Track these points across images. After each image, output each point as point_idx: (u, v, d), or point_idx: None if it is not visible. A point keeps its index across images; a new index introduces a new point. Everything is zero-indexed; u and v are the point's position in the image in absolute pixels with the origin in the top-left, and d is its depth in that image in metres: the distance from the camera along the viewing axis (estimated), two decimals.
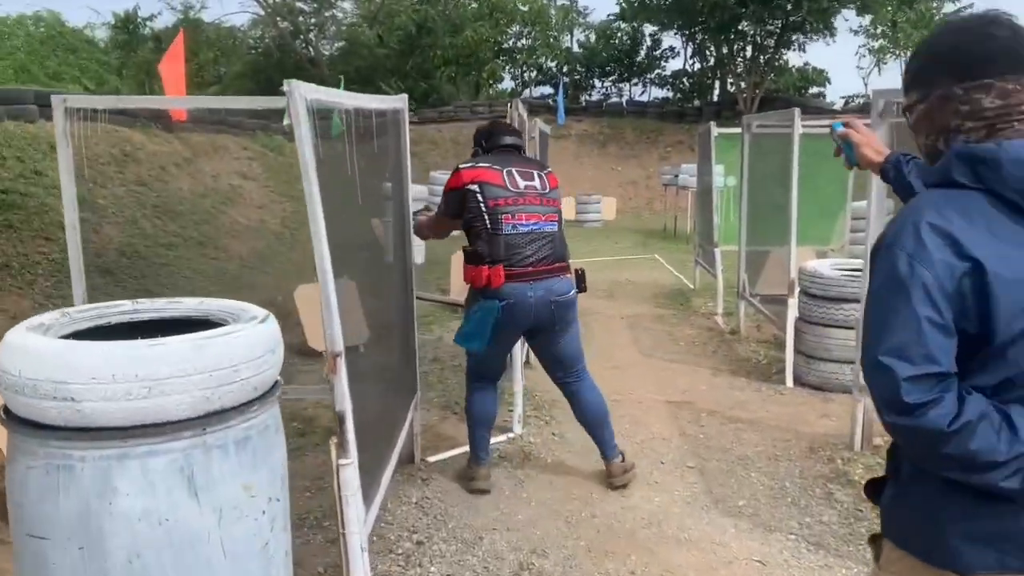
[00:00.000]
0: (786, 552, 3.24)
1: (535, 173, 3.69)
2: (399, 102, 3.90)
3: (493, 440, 4.08)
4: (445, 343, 6.57)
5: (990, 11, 1.33)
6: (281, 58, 26.50)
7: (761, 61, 23.01)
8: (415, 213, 4.12)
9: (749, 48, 23.34)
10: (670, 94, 27.06)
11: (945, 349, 1.20)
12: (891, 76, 26.48)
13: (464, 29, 24.24)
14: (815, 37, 22.36)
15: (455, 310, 7.31)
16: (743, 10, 20.80)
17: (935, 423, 1.18)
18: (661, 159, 20.26)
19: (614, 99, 26.38)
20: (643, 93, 27.88)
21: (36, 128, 9.22)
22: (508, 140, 3.79)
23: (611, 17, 26.23)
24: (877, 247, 1.30)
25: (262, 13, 26.83)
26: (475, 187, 3.52)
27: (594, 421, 3.84)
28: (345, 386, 2.52)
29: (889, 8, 22.32)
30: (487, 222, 3.50)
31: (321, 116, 2.63)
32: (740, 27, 22.23)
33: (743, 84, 23.10)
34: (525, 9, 25.76)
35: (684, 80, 26.74)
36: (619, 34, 27.07)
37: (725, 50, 23.63)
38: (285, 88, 2.38)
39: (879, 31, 24.39)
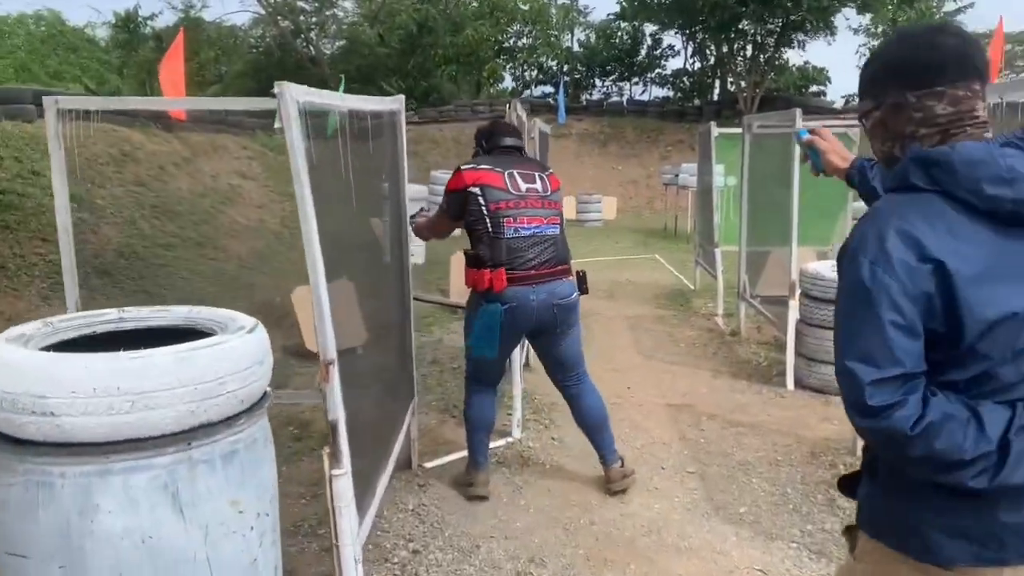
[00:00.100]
0: (788, 561, 3.19)
1: (536, 175, 3.64)
2: (395, 103, 3.85)
3: (492, 444, 4.03)
4: (445, 345, 6.52)
5: (939, 21, 1.36)
6: (282, 57, 26.45)
7: (761, 60, 22.93)
8: (413, 215, 4.07)
9: (749, 47, 23.25)
10: (670, 93, 26.98)
11: (910, 351, 1.23)
12: None
13: (465, 28, 24.17)
14: (815, 36, 22.27)
15: (455, 311, 7.26)
16: (743, 9, 20.70)
17: (899, 425, 1.21)
18: (662, 158, 20.19)
19: (614, 98, 26.31)
20: (643, 92, 27.83)
21: (34, 128, 9.17)
22: (508, 141, 3.74)
23: (611, 16, 26.19)
24: (842, 254, 1.33)
25: (263, 12, 26.76)
26: (476, 189, 3.48)
27: (593, 425, 3.80)
28: (338, 395, 2.46)
29: (890, 7, 22.22)
30: (489, 225, 3.46)
31: (315, 115, 2.58)
32: (740, 26, 22.13)
33: (743, 83, 23.03)
34: (526, 8, 25.68)
35: (684, 79, 26.66)
36: (619, 33, 26.99)
37: (725, 49, 23.54)
38: (276, 90, 2.33)
39: (879, 30, 24.25)
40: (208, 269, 8.63)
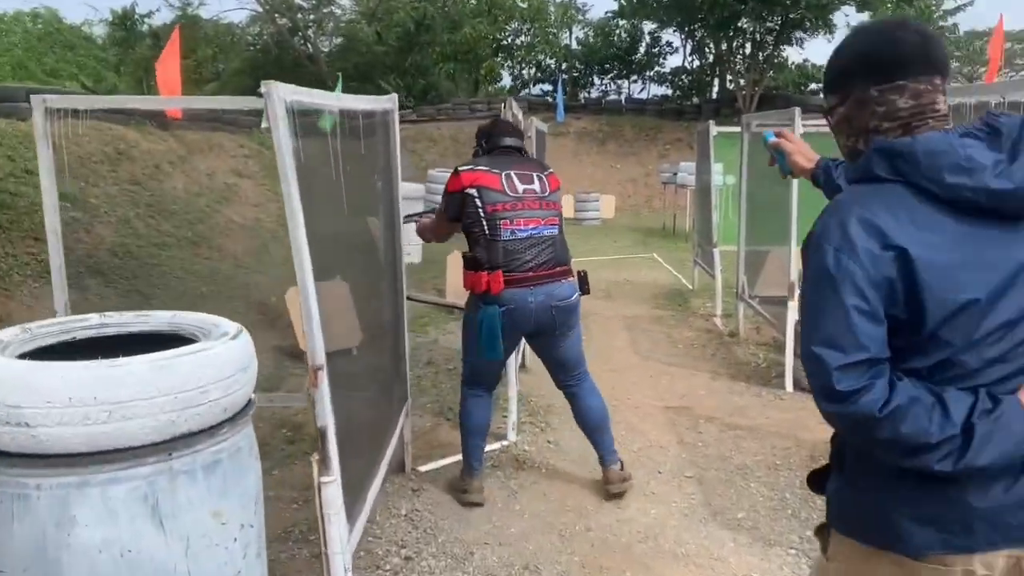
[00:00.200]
0: (787, 568, 3.14)
1: (535, 176, 3.59)
2: (388, 102, 3.79)
3: (487, 448, 3.97)
4: (440, 346, 6.47)
5: (900, 17, 1.44)
6: (279, 55, 26.34)
7: (760, 58, 22.85)
8: (420, 215, 4.03)
9: (748, 45, 23.17)
10: (669, 91, 26.89)
11: (874, 336, 1.25)
12: None
13: (463, 26, 24.08)
14: (814, 34, 22.17)
15: (451, 312, 7.20)
16: (742, 7, 20.63)
17: (866, 409, 1.22)
18: (660, 157, 20.12)
19: (613, 96, 26.20)
20: (642, 90, 27.71)
21: (27, 126, 9.08)
22: (508, 141, 3.69)
23: (610, 14, 26.05)
24: (807, 244, 1.35)
25: (260, 10, 26.65)
26: (474, 191, 3.45)
27: (594, 426, 3.77)
28: (327, 400, 2.41)
29: (889, 5, 22.15)
30: (485, 228, 3.44)
31: (305, 114, 2.53)
32: (739, 24, 22.04)
33: (742, 81, 22.96)
34: (524, 6, 25.57)
35: (683, 77, 26.55)
36: (618, 31, 26.90)
37: (724, 47, 23.47)
38: (262, 90, 2.27)
39: None
40: (203, 269, 8.56)
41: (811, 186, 2.09)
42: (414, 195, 10.55)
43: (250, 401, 2.02)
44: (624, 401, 5.12)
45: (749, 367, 5.93)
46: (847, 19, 21.72)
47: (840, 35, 25.28)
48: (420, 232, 3.92)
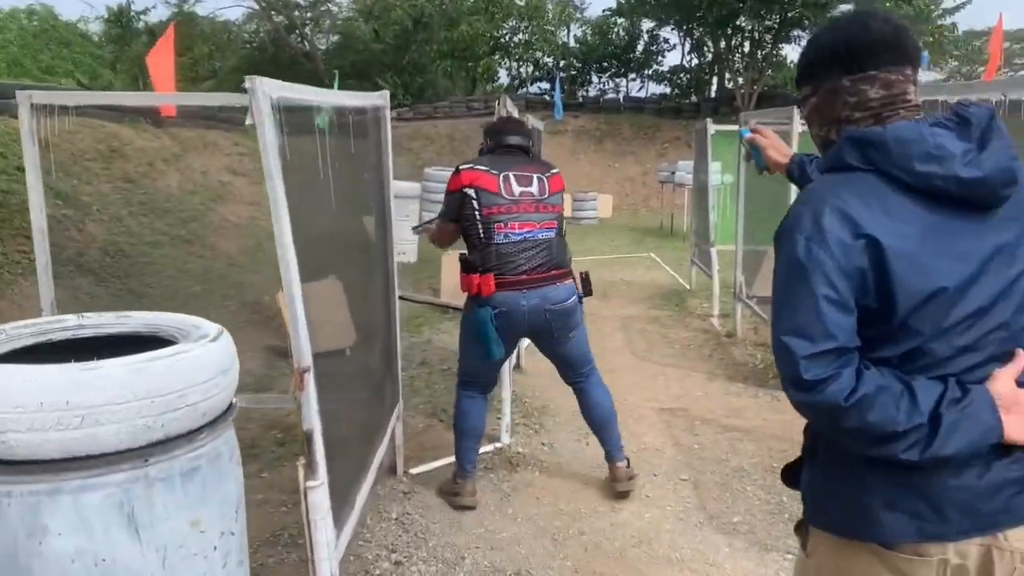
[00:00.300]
0: (783, 573, 3.09)
1: (534, 177, 3.54)
2: (380, 99, 3.73)
3: (480, 450, 3.92)
4: (434, 346, 6.41)
5: (870, 8, 1.39)
6: (276, 53, 26.28)
7: (759, 56, 22.81)
8: (429, 223, 3.97)
9: (747, 43, 23.14)
10: (667, 90, 26.85)
11: (843, 326, 1.25)
12: None
13: (460, 23, 24.00)
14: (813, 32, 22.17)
15: (445, 311, 7.15)
16: (741, 5, 20.59)
17: (833, 398, 1.23)
18: (658, 156, 20.05)
19: (611, 95, 26.17)
20: (640, 89, 27.69)
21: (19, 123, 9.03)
22: (514, 140, 3.64)
23: (608, 12, 25.97)
24: (778, 233, 1.35)
25: (257, 7, 26.57)
26: (471, 192, 3.42)
27: (599, 421, 3.75)
28: (314, 404, 2.36)
29: (888, 4, 22.13)
30: (480, 230, 3.42)
31: (291, 110, 2.47)
32: (738, 22, 22.01)
33: (741, 80, 22.91)
34: (521, 4, 25.47)
35: (681, 76, 26.52)
36: (616, 29, 26.84)
37: (723, 45, 23.42)
38: (247, 85, 2.21)
39: None
40: (196, 267, 8.50)
41: None
42: (410, 194, 10.47)
43: (231, 405, 1.96)
44: (619, 402, 4.98)
45: (746, 368, 5.88)
46: None
47: None
48: (431, 240, 3.84)
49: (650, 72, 27.34)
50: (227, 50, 28.46)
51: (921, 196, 1.28)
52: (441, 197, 3.82)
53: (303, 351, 2.33)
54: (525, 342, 4.21)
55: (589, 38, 27.57)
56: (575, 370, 3.73)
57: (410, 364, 5.74)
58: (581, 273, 3.74)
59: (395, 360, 4.01)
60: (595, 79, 27.95)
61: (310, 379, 2.34)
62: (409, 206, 10.33)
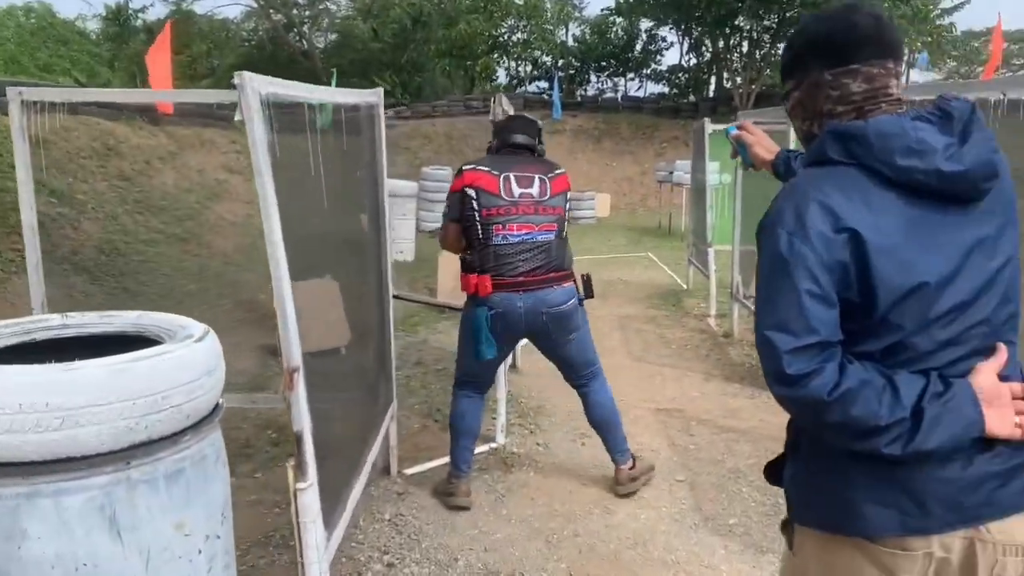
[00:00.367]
0: None
1: (536, 178, 3.50)
2: (374, 96, 3.70)
3: (475, 450, 3.88)
4: (430, 345, 6.38)
5: (853, 1, 1.40)
6: (274, 51, 26.26)
7: (757, 56, 22.77)
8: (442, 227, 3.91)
9: (745, 43, 23.10)
10: (666, 89, 26.81)
11: (826, 320, 1.25)
12: None
13: (458, 22, 23.96)
14: None
15: (442, 311, 7.11)
16: (739, 5, 20.58)
17: (816, 392, 1.22)
18: (656, 155, 20.02)
19: (609, 94, 26.13)
20: (639, 88, 27.65)
21: None
22: (519, 139, 3.61)
23: (606, 11, 25.94)
24: (760, 228, 1.34)
25: (255, 5, 26.54)
26: (472, 192, 3.40)
27: (601, 423, 3.74)
28: (304, 404, 2.33)
29: (886, 4, 22.12)
30: (479, 231, 3.41)
31: (280, 107, 2.44)
32: (736, 22, 21.99)
33: (739, 79, 22.88)
34: (520, 3, 25.43)
35: (680, 75, 26.48)
36: (614, 28, 26.81)
37: (721, 45, 23.40)
38: (236, 81, 2.18)
39: None
40: (192, 265, 8.47)
41: None
42: (408, 193, 10.44)
43: (217, 406, 1.93)
44: (616, 402, 5.02)
45: (743, 368, 5.85)
46: None
47: None
48: (441, 245, 3.75)
49: (648, 72, 27.30)
50: (225, 48, 28.42)
51: (902, 190, 1.28)
52: (439, 196, 3.80)
53: (293, 350, 2.29)
54: (523, 341, 4.18)
55: (587, 37, 27.52)
56: (577, 372, 3.70)
57: (405, 364, 5.71)
58: (583, 275, 3.70)
59: (389, 360, 3.97)
60: (593, 78, 27.93)
61: (300, 379, 2.31)
62: (407, 205, 10.31)
